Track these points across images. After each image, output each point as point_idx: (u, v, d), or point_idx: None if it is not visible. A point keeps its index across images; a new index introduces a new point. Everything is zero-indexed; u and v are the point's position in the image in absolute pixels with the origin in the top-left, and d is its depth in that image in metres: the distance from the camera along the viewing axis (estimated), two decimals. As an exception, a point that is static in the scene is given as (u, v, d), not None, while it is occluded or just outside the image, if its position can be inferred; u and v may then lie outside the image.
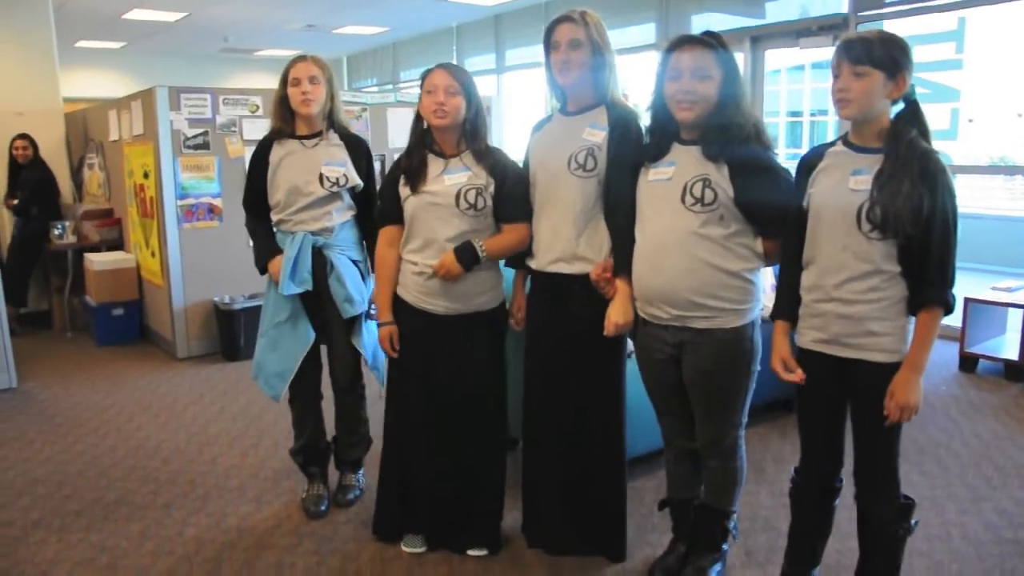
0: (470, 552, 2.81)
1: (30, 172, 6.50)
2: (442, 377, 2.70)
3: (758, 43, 7.19)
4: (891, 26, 6.21)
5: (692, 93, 2.23)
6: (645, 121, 2.46)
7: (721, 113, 2.24)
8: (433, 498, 2.80)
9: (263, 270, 3.08)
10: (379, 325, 2.75)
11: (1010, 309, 5.07)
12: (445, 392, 2.70)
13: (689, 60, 2.23)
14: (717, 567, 2.60)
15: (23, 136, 6.51)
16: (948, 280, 2.01)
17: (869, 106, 2.02)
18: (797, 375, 2.23)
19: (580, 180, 2.48)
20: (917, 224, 1.96)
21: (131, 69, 12.28)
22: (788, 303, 2.25)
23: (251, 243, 3.15)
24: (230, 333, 5.42)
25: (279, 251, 3.01)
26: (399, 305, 2.71)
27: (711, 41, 2.24)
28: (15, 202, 6.47)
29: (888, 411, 2.06)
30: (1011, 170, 10.50)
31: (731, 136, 2.23)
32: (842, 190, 2.06)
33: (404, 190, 2.63)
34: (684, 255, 2.27)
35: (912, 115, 2.03)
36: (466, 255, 2.58)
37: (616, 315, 2.44)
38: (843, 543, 2.72)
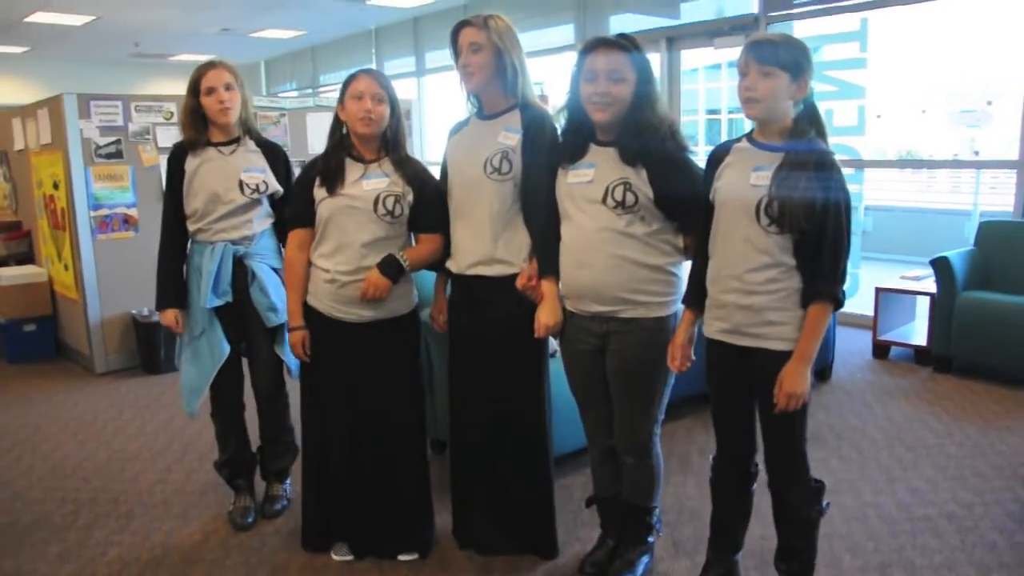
0: (400, 557, 2.80)
1: None
2: (359, 385, 2.69)
3: (674, 43, 7.34)
4: (799, 26, 6.42)
5: (607, 95, 2.27)
6: (560, 122, 2.49)
7: (636, 114, 2.29)
8: (357, 506, 2.78)
9: (160, 308, 3.04)
10: (289, 330, 2.72)
11: (918, 297, 5.29)
12: (363, 400, 2.69)
13: (604, 62, 2.27)
14: (645, 559, 2.65)
15: None
16: (839, 276, 2.09)
17: (775, 106, 2.09)
18: (677, 364, 2.33)
19: (496, 183, 2.50)
20: (811, 220, 2.04)
21: (36, 75, 11.82)
22: (697, 293, 2.32)
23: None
24: (150, 346, 5.28)
25: (179, 304, 2.99)
26: (311, 315, 2.69)
27: (625, 43, 2.29)
28: None
29: (776, 399, 2.13)
30: (917, 164, 10.97)
31: (647, 138, 2.28)
32: (743, 185, 2.13)
33: (319, 192, 2.61)
34: (610, 253, 2.32)
35: (811, 116, 2.13)
36: (391, 268, 2.58)
37: (545, 317, 2.46)
38: (765, 529, 2.79)
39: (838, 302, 2.11)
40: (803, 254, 2.09)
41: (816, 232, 2.05)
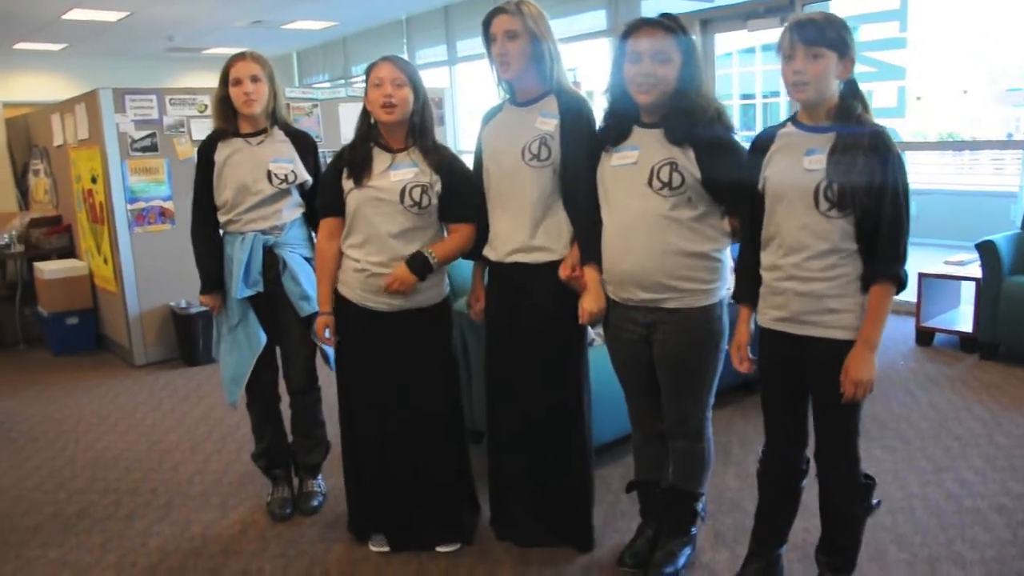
0: (439, 548, 2.79)
1: None
2: (391, 375, 2.67)
3: (708, 26, 7.23)
4: (836, 6, 6.28)
5: (651, 76, 2.22)
6: (599, 106, 2.45)
7: (682, 97, 2.24)
8: (393, 497, 2.77)
9: (202, 293, 3.06)
10: (318, 315, 2.72)
11: (963, 282, 5.16)
12: (394, 389, 2.68)
13: (648, 43, 2.22)
14: (687, 550, 2.61)
15: None
16: (900, 255, 2.03)
17: (825, 87, 2.03)
18: (745, 366, 2.29)
19: (535, 170, 2.46)
20: (871, 196, 1.98)
21: (73, 71, 11.97)
22: (749, 285, 2.26)
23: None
24: (188, 338, 5.33)
25: (218, 287, 3.00)
26: (342, 303, 2.68)
27: (670, 24, 2.24)
28: None
29: (843, 388, 2.07)
30: (959, 145, 10.72)
31: (695, 120, 2.24)
32: (797, 170, 2.07)
33: (347, 183, 2.60)
34: (654, 238, 2.27)
35: (854, 92, 2.07)
36: (419, 266, 2.56)
37: (589, 304, 2.43)
38: (809, 521, 2.74)
39: (900, 282, 2.04)
40: (865, 237, 2.03)
41: (875, 211, 1.99)
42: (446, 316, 2.75)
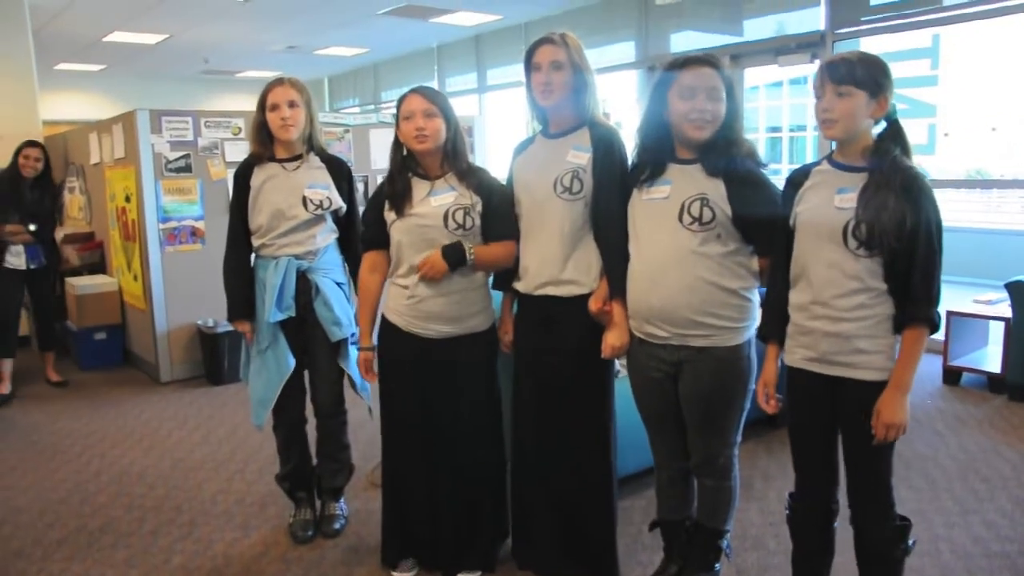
0: (461, 576, 2.79)
1: (43, 190, 5.41)
2: (436, 401, 2.67)
3: (737, 61, 7.26)
4: (867, 43, 6.29)
5: (707, 112, 2.24)
6: (626, 136, 2.47)
7: (725, 132, 2.27)
8: (431, 522, 2.77)
9: (232, 320, 3.08)
10: (359, 349, 2.74)
11: (991, 322, 5.11)
12: (439, 417, 2.68)
13: (704, 80, 2.24)
14: (709, 586, 2.59)
15: (35, 144, 5.36)
16: (933, 297, 2.02)
17: (853, 126, 2.04)
18: (772, 405, 2.27)
19: (567, 203, 2.48)
20: (901, 238, 1.97)
21: (112, 91, 12.23)
22: (777, 323, 2.25)
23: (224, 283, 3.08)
24: (214, 356, 5.38)
25: (249, 314, 3.02)
26: (389, 330, 2.70)
27: (717, 61, 2.27)
28: (32, 228, 5.24)
29: (875, 430, 2.05)
30: (988, 183, 10.64)
31: (731, 154, 2.26)
32: (828, 208, 2.07)
33: (390, 215, 2.62)
34: (684, 274, 2.27)
35: (895, 134, 2.06)
36: (454, 254, 2.55)
37: (613, 338, 2.44)
38: (839, 556, 2.71)
39: (934, 325, 2.03)
40: (894, 277, 2.02)
41: (907, 252, 1.98)
42: (493, 343, 2.75)
